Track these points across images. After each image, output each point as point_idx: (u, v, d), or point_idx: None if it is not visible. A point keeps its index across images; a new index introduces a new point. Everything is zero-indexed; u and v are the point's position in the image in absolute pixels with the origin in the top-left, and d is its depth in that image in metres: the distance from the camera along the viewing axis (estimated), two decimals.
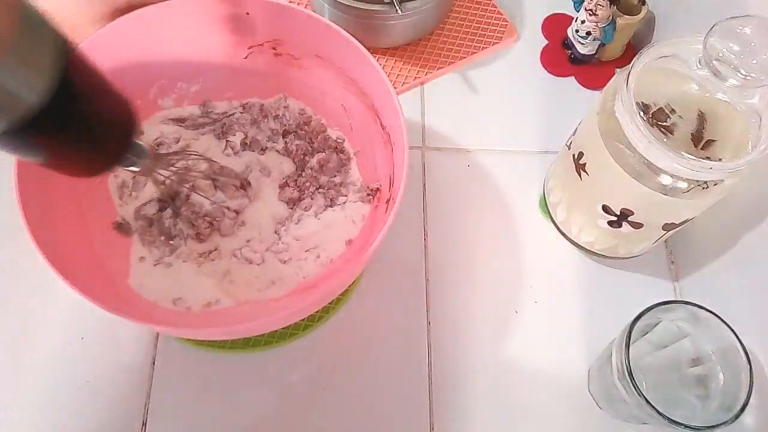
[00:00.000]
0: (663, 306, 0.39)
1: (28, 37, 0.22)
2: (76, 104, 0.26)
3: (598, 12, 0.54)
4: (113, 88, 0.29)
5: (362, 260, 0.37)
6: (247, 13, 0.43)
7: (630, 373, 0.37)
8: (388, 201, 0.42)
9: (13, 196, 0.35)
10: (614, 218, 0.44)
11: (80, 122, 0.27)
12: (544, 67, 0.60)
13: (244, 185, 0.47)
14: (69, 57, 0.25)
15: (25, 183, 0.36)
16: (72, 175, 0.30)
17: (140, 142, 0.33)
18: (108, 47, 0.41)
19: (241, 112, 0.50)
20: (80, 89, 0.26)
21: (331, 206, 0.48)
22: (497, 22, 0.62)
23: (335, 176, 0.49)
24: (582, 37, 0.57)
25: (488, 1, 0.63)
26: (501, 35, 0.61)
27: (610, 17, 0.54)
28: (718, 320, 0.38)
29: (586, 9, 0.54)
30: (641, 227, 0.43)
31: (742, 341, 0.38)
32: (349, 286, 0.48)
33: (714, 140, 0.37)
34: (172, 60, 0.46)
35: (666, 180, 0.38)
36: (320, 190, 0.48)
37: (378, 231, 0.36)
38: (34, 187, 0.37)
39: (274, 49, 0.46)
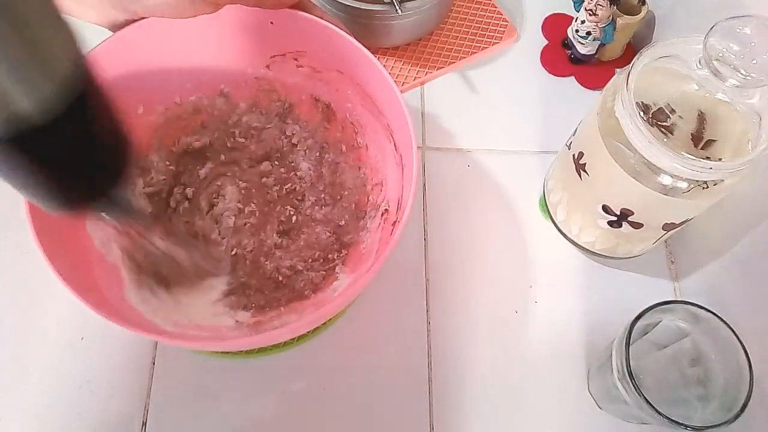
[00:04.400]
0: (663, 306, 0.39)
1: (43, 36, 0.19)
2: (76, 126, 0.22)
3: (598, 12, 0.54)
4: (120, 121, 0.26)
5: (359, 285, 0.36)
6: (271, 23, 0.43)
7: (630, 373, 0.37)
8: (394, 223, 0.42)
9: (19, 195, 0.35)
10: (614, 218, 0.44)
11: (74, 145, 0.23)
12: (544, 67, 0.60)
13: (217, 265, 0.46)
14: (85, 72, 0.21)
15: None
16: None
17: (127, 194, 0.28)
18: (124, 53, 0.40)
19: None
20: (87, 111, 0.22)
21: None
22: (497, 22, 0.62)
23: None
24: (582, 37, 0.57)
25: (488, 1, 0.63)
26: (501, 35, 0.61)
27: (610, 17, 0.54)
28: (718, 320, 0.38)
29: (586, 9, 0.54)
30: (641, 227, 0.43)
31: (742, 341, 0.38)
32: None
33: (714, 140, 0.37)
34: (190, 66, 0.46)
35: (666, 180, 0.38)
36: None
37: (380, 252, 0.36)
38: None
39: (296, 60, 0.46)
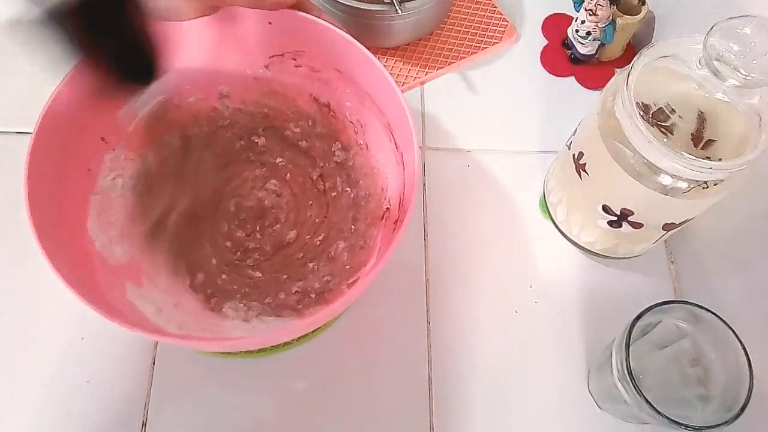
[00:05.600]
0: (663, 306, 0.39)
1: None
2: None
3: (598, 12, 0.54)
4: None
5: (362, 284, 0.36)
6: (270, 23, 0.43)
7: (630, 373, 0.37)
8: (396, 222, 0.42)
9: (20, 196, 0.35)
10: (614, 218, 0.44)
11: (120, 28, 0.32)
12: (544, 67, 0.60)
13: None
14: None
15: (34, 183, 0.36)
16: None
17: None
18: None
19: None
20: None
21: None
22: (497, 22, 0.62)
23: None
24: (582, 37, 0.57)
25: (488, 1, 0.63)
26: (501, 35, 0.61)
27: (610, 17, 0.54)
28: (718, 320, 0.38)
29: (586, 9, 0.54)
30: (641, 227, 0.43)
31: (742, 341, 0.37)
32: None
33: (714, 140, 0.37)
34: (189, 68, 0.46)
35: (666, 180, 0.38)
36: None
37: (383, 250, 0.36)
38: (44, 186, 0.37)
39: (294, 60, 0.46)
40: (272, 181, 0.50)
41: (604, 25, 0.55)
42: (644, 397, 0.36)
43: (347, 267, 0.46)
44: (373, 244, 0.46)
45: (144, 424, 0.44)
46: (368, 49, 0.41)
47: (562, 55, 0.61)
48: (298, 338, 0.46)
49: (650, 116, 0.37)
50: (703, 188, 0.37)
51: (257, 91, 0.49)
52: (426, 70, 0.59)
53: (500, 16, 0.62)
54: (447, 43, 0.61)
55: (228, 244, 0.48)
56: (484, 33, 0.61)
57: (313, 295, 0.46)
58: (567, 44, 0.60)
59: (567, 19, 0.61)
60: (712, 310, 0.39)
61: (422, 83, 0.59)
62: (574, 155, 0.45)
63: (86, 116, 0.41)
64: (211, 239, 0.48)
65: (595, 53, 0.58)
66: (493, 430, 0.45)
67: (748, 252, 0.44)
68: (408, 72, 0.59)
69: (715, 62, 0.34)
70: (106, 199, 0.44)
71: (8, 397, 0.44)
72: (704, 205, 0.40)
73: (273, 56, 0.46)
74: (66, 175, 0.40)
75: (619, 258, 0.50)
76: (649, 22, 0.58)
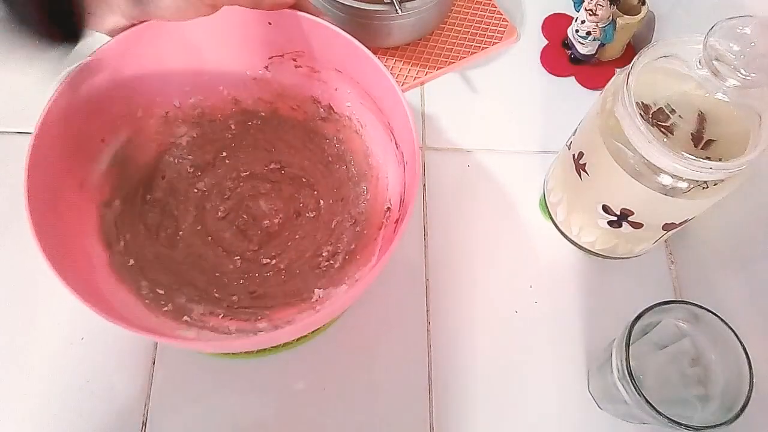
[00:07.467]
0: (663, 306, 0.39)
1: None
2: None
3: (598, 12, 0.54)
4: None
5: (363, 283, 0.36)
6: (270, 23, 0.43)
7: (630, 373, 0.37)
8: (397, 221, 0.42)
9: (19, 196, 0.35)
10: (614, 218, 0.44)
11: None
12: (544, 67, 0.60)
13: None
14: None
15: (34, 184, 0.36)
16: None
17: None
18: (122, 57, 0.40)
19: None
20: None
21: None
22: (497, 22, 0.62)
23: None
24: (582, 37, 0.57)
25: (488, 1, 0.63)
26: (501, 35, 0.61)
27: (610, 17, 0.54)
28: (718, 320, 0.38)
29: (586, 9, 0.54)
30: (641, 227, 0.43)
31: (742, 341, 0.38)
32: None
33: (714, 140, 0.37)
34: (189, 69, 0.46)
35: (666, 180, 0.38)
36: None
37: (384, 249, 0.36)
38: (43, 187, 0.37)
39: (294, 60, 0.46)
40: (270, 182, 0.50)
41: (604, 25, 0.55)
42: (644, 397, 0.36)
43: (347, 267, 0.46)
44: (374, 244, 0.46)
45: (144, 424, 0.44)
46: (368, 49, 0.41)
47: (562, 55, 0.61)
48: (298, 338, 0.46)
49: (650, 116, 0.37)
50: (703, 188, 0.37)
51: (257, 92, 0.49)
52: (426, 70, 0.59)
53: (500, 16, 0.62)
54: (447, 43, 0.61)
55: (227, 242, 0.48)
56: (484, 33, 0.61)
57: (314, 295, 0.46)
58: (567, 44, 0.60)
59: (567, 19, 0.61)
60: (712, 310, 0.39)
61: (422, 83, 0.59)
62: (574, 155, 0.45)
63: (86, 117, 0.41)
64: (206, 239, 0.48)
65: (595, 53, 0.58)
66: (493, 430, 0.45)
67: (749, 252, 0.44)
68: (408, 72, 0.59)
69: (715, 62, 0.34)
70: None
71: (8, 396, 0.44)
72: (704, 205, 0.40)
73: (273, 57, 0.46)
74: (66, 177, 0.40)
75: (619, 258, 0.50)
76: (649, 22, 0.58)
